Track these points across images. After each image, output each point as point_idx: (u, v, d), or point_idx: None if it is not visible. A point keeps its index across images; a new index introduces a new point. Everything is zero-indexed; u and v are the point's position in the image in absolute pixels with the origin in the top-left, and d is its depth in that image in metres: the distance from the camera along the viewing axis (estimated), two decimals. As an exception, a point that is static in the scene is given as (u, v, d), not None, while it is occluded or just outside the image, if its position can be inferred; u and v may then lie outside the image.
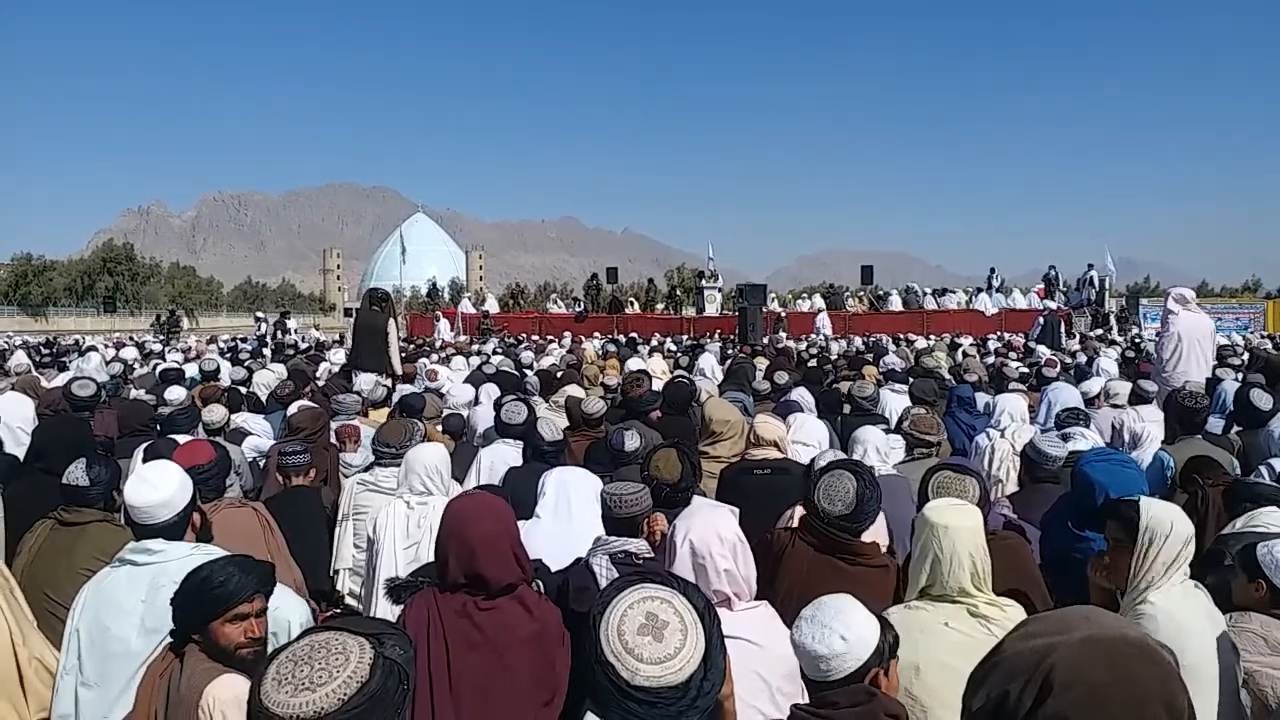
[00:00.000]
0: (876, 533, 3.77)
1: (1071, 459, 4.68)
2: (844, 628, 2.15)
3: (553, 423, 5.12)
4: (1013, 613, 2.65)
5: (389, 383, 9.29)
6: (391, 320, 11.73)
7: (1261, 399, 5.92)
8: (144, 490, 2.98)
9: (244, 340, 22.31)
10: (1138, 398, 7.17)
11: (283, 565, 3.97)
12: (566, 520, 3.76)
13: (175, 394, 7.64)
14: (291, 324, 29.27)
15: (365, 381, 8.63)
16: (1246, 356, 12.81)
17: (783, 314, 27.07)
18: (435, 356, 14.36)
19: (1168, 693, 1.17)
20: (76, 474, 3.70)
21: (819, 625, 2.16)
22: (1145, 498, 2.87)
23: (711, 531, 2.62)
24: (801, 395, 7.34)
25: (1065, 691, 1.16)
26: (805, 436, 5.50)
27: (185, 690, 2.34)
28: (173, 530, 3.00)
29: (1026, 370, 11.28)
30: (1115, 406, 7.23)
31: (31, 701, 2.89)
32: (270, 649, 2.07)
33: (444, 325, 26.44)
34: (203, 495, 3.87)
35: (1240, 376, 8.55)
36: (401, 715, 1.49)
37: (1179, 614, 2.51)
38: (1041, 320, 19.02)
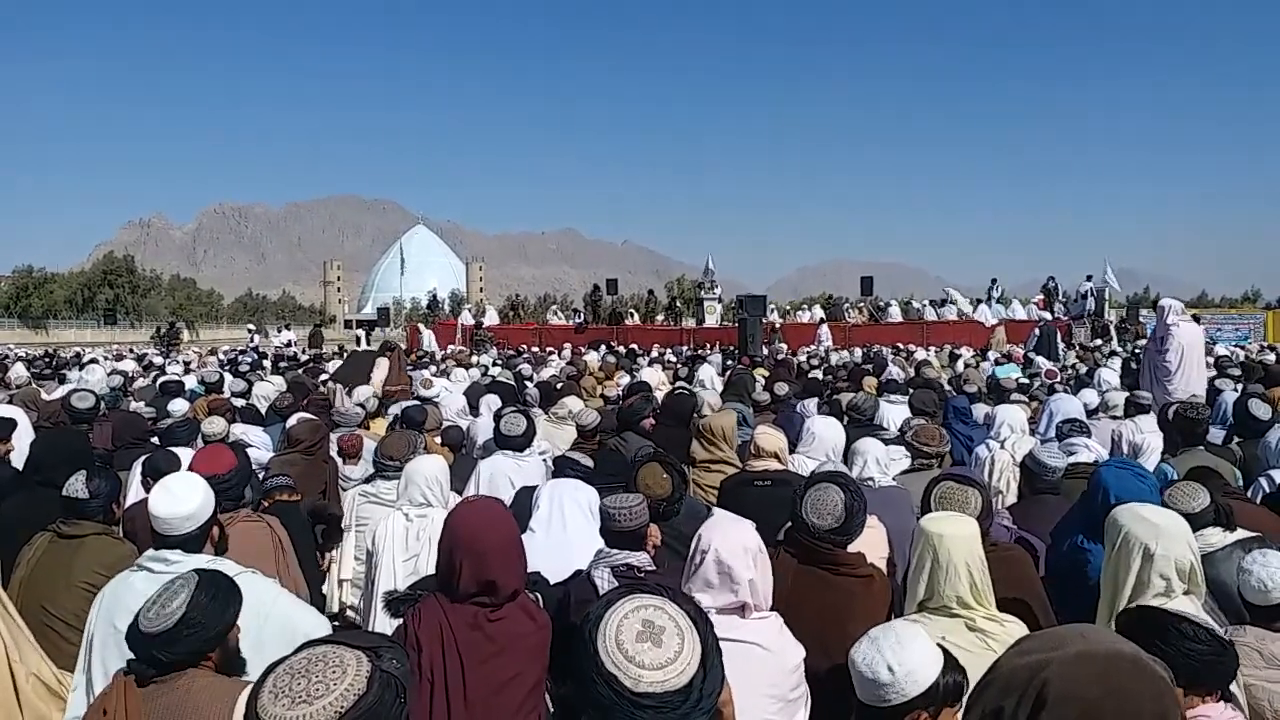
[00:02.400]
0: (878, 544, 3.77)
1: (1072, 470, 4.67)
2: (895, 659, 2.03)
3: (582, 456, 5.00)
4: (1012, 628, 2.64)
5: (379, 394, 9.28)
6: (383, 358, 11.57)
7: (1259, 409, 5.92)
8: (168, 501, 2.99)
9: (243, 352, 22.32)
10: (1135, 408, 7.18)
11: (290, 585, 3.96)
12: (561, 532, 3.76)
13: (178, 406, 7.64)
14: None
15: (362, 393, 8.63)
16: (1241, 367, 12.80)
17: (778, 325, 27.05)
18: (434, 369, 14.37)
19: (1160, 707, 1.17)
20: (76, 486, 3.69)
21: (875, 649, 2.07)
22: (1124, 505, 2.86)
23: (737, 542, 2.64)
24: (806, 407, 7.34)
25: (1058, 706, 1.16)
26: (817, 451, 5.32)
27: (204, 703, 2.31)
28: (192, 543, 3.01)
29: (1026, 381, 11.29)
30: (1114, 418, 7.23)
31: (27, 713, 2.88)
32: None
33: (429, 336, 26.86)
34: (221, 505, 3.89)
35: (1239, 387, 8.57)
36: None
37: None
38: (1038, 331, 19.02)
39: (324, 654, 1.47)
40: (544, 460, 5.55)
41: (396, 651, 1.54)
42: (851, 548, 3.15)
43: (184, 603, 2.30)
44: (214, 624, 2.36)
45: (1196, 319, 23.57)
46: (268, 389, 9.84)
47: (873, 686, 2.02)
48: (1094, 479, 3.76)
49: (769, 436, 4.84)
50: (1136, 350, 18.43)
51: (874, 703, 2.04)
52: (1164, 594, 2.63)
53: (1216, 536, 3.39)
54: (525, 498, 4.52)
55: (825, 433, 5.45)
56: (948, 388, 10.28)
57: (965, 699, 1.30)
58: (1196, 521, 3.38)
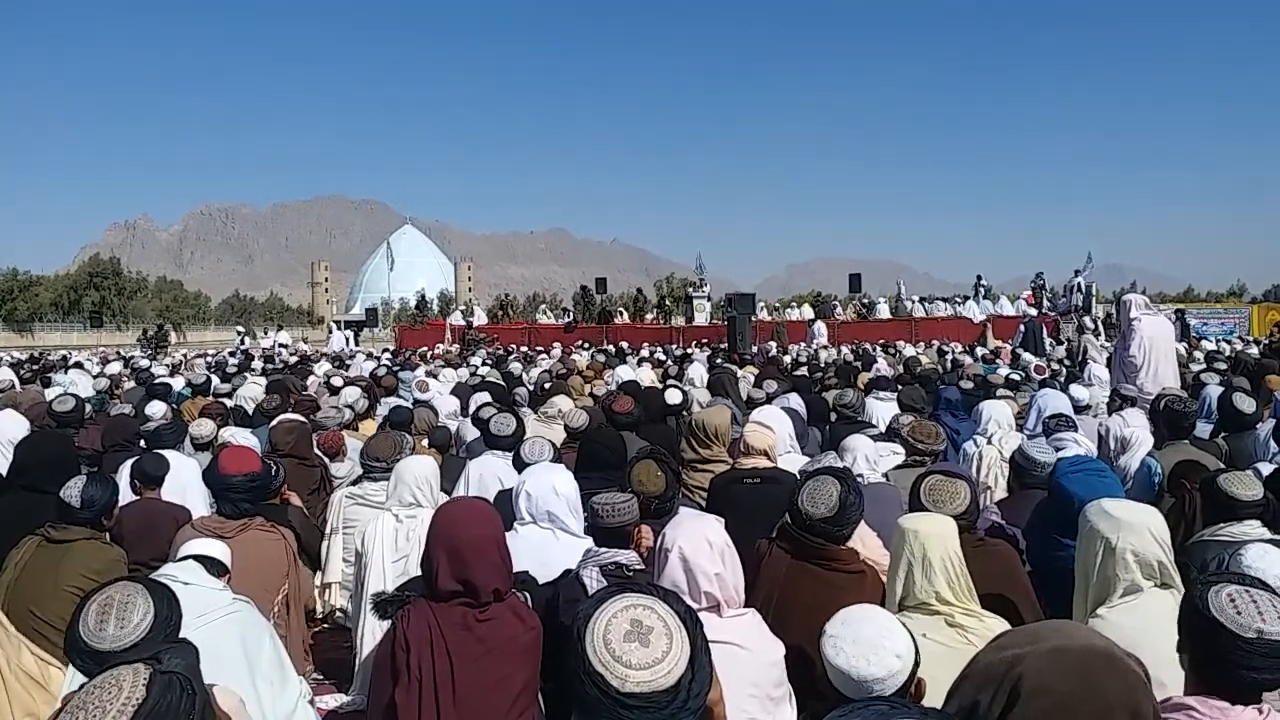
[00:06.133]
0: (870, 543, 3.77)
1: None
2: (897, 645, 2.03)
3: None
4: (991, 623, 2.65)
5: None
6: None
7: (1244, 402, 5.95)
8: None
9: (231, 354, 22.22)
10: (1121, 402, 7.22)
11: (297, 603, 3.99)
12: (545, 522, 3.74)
13: (155, 409, 7.59)
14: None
15: (350, 394, 8.60)
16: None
17: (783, 323, 27.05)
18: (424, 368, 14.33)
19: (1133, 701, 1.18)
20: (71, 492, 3.69)
21: (867, 646, 2.02)
22: (1093, 501, 2.86)
23: (700, 537, 2.65)
24: (796, 402, 7.35)
25: (1032, 699, 1.18)
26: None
27: None
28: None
29: (1017, 377, 11.33)
30: (1094, 416, 7.27)
31: (16, 707, 2.86)
32: None
33: (337, 337, 27.13)
34: (241, 506, 3.91)
35: (1222, 381, 8.60)
36: (199, 719, 1.50)
37: (1125, 624, 2.49)
38: (1023, 327, 19.08)
39: (100, 681, 1.47)
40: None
41: (180, 650, 1.53)
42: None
43: (149, 612, 2.24)
44: (178, 627, 2.32)
45: (1181, 313, 23.74)
46: (254, 390, 9.80)
47: (881, 684, 2.00)
48: (1057, 486, 3.77)
49: (759, 434, 4.83)
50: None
51: (885, 694, 1.99)
52: (1132, 589, 2.62)
53: (1256, 530, 3.32)
54: (506, 500, 4.52)
55: (769, 424, 5.44)
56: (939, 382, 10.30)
57: (946, 696, 1.31)
58: (1244, 511, 3.36)
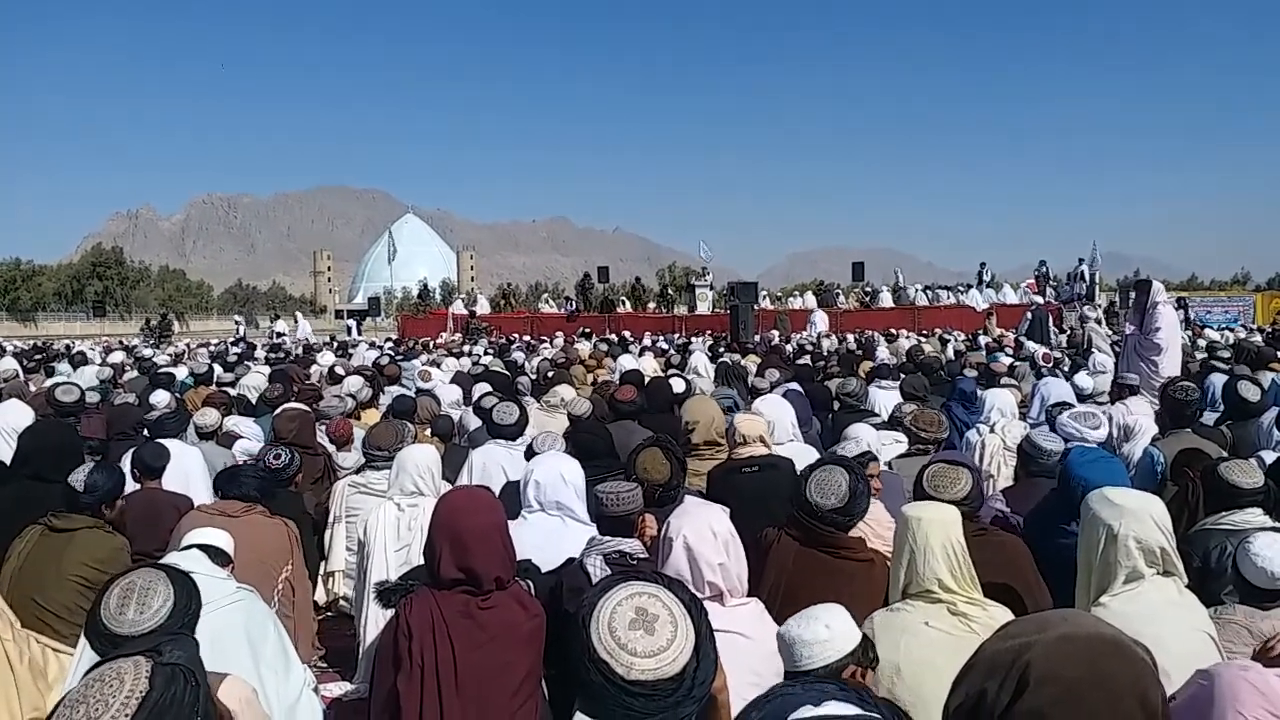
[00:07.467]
0: (881, 517, 3.76)
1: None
2: (830, 619, 2.23)
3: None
4: (994, 611, 2.65)
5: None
6: None
7: (1249, 391, 5.94)
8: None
9: (234, 344, 22.23)
10: (1124, 390, 7.20)
11: (301, 585, 4.03)
12: (553, 510, 3.74)
13: (159, 398, 7.60)
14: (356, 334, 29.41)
15: (352, 384, 8.60)
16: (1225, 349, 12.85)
17: (785, 313, 26.99)
18: (426, 358, 14.33)
19: (1141, 688, 1.19)
20: (77, 479, 3.71)
21: (806, 617, 2.26)
22: (1095, 490, 2.86)
23: (705, 527, 2.65)
24: (799, 387, 7.36)
25: (1040, 687, 1.18)
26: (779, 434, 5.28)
27: None
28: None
29: (1019, 364, 11.31)
30: (1098, 403, 7.25)
31: (24, 702, 2.87)
32: None
33: (304, 325, 27.82)
34: (248, 489, 4.04)
35: (1227, 369, 8.61)
36: (202, 710, 1.49)
37: (1127, 611, 2.49)
38: (1029, 315, 19.02)
39: (101, 673, 1.46)
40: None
41: (180, 642, 1.53)
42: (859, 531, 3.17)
43: (168, 599, 2.26)
44: (197, 616, 2.33)
45: (1183, 301, 23.69)
46: (257, 379, 9.80)
47: (806, 647, 2.18)
48: (1064, 470, 3.77)
49: (751, 422, 4.81)
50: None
51: (811, 663, 2.17)
52: (1134, 576, 2.61)
53: (1258, 518, 3.33)
54: (514, 490, 4.51)
55: (772, 412, 5.42)
56: (943, 372, 10.30)
57: (952, 684, 1.31)
58: (1246, 499, 3.37)
